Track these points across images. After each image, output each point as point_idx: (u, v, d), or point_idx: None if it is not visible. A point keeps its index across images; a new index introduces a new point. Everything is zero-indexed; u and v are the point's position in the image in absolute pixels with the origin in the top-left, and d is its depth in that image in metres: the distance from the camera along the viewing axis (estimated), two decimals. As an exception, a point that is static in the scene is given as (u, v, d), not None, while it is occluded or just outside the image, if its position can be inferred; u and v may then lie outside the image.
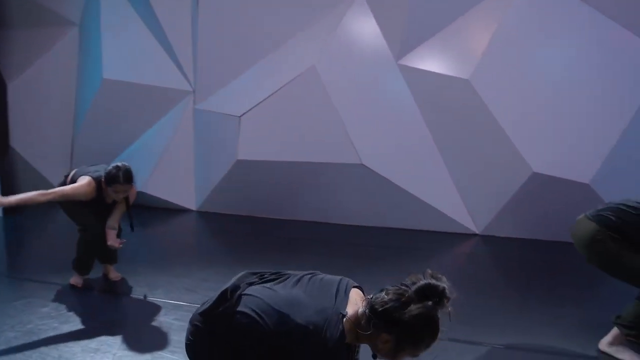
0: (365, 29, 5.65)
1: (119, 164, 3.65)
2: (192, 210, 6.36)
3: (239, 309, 1.88)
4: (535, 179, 5.11)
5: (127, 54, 6.20)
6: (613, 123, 5.04)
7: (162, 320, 3.44)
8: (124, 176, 3.60)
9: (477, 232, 5.61)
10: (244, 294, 1.92)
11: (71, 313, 3.50)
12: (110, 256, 4.03)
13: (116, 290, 3.96)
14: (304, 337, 1.79)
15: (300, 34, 5.78)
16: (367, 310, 1.78)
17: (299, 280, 1.97)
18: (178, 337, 3.19)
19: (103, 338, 3.17)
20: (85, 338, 3.17)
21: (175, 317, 3.47)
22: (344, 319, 1.81)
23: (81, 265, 3.91)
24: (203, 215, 6.26)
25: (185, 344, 2.00)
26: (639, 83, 5.07)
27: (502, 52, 5.20)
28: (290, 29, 5.80)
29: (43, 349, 3.01)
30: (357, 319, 1.81)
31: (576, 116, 5.07)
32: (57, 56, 6.60)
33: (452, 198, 5.60)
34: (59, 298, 3.73)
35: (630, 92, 5.06)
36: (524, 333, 3.37)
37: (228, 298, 1.91)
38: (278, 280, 1.99)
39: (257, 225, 5.90)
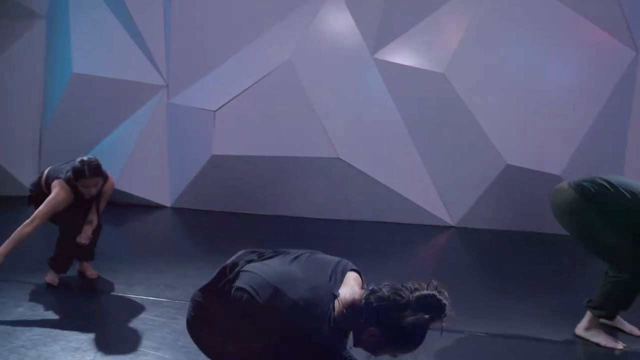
0: (340, 23, 5.67)
1: (85, 157, 3.54)
2: (166, 207, 6.27)
3: (237, 284, 1.91)
4: (509, 171, 5.22)
5: (97, 47, 6.03)
6: (582, 116, 5.20)
7: (143, 317, 3.39)
8: (90, 169, 3.50)
9: (452, 224, 5.69)
10: (242, 271, 1.95)
11: (49, 312, 3.41)
12: (86, 253, 3.94)
13: (94, 288, 3.88)
14: (295, 312, 1.81)
15: (276, 28, 5.75)
16: (362, 301, 1.80)
17: (297, 257, 2.01)
18: (160, 333, 3.15)
19: (83, 337, 3.10)
20: (64, 337, 3.08)
21: (156, 314, 3.42)
22: (336, 300, 1.83)
23: (59, 265, 3.81)
24: (178, 211, 6.18)
25: (187, 320, 2.04)
26: (607, 78, 5.23)
27: (477, 46, 5.30)
28: (265, 22, 5.77)
29: (21, 350, 2.93)
30: (351, 305, 1.83)
31: (547, 109, 5.21)
32: (23, 51, 6.33)
33: (427, 190, 5.67)
34: (34, 297, 3.63)
35: (598, 86, 5.23)
36: (502, 321, 3.45)
37: (227, 274, 1.95)
38: (276, 257, 2.03)
39: (234, 221, 5.85)
